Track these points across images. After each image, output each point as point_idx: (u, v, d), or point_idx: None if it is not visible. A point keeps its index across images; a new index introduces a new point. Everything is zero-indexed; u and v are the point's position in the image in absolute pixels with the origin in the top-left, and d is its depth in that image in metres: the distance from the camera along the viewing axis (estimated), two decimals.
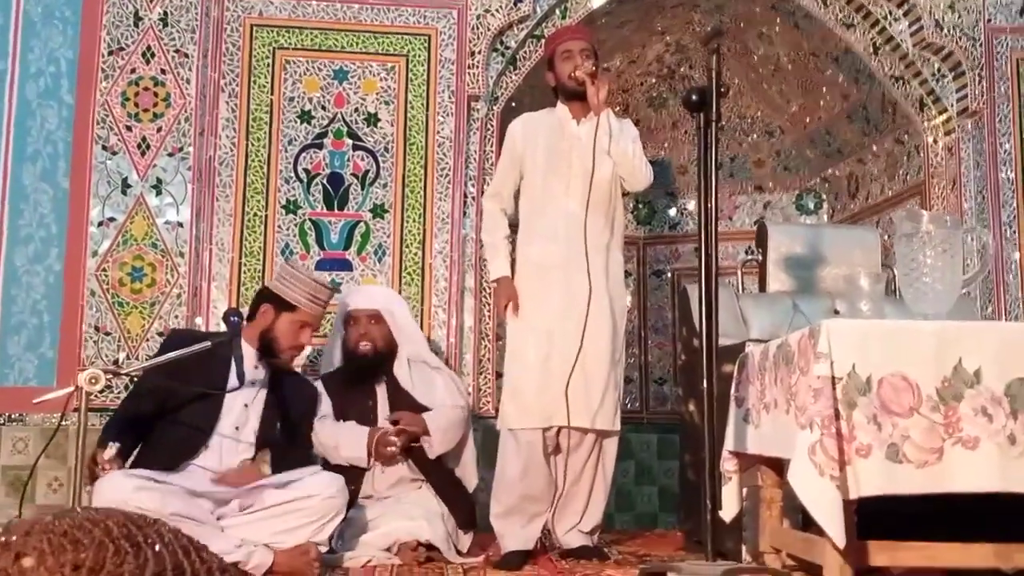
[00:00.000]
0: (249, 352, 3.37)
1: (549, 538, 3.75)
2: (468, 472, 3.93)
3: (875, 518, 2.56)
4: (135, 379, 3.59)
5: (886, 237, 4.84)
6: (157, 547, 0.92)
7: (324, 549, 3.17)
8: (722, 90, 2.69)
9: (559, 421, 3.46)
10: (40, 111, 4.46)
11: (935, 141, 4.98)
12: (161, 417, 3.23)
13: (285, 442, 3.38)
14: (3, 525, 0.94)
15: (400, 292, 4.48)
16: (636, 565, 3.39)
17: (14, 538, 0.89)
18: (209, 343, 3.17)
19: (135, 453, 3.24)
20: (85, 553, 0.88)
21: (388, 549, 3.45)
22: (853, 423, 2.36)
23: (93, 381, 2.80)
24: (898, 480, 2.35)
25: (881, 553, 2.46)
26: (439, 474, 3.78)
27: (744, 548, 3.29)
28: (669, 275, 6.15)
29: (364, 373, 3.84)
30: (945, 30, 4.81)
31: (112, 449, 3.04)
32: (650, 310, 6.14)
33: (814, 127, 5.75)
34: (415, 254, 4.56)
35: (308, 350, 4.07)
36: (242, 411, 3.32)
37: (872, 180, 5.49)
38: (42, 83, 4.48)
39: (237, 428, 3.30)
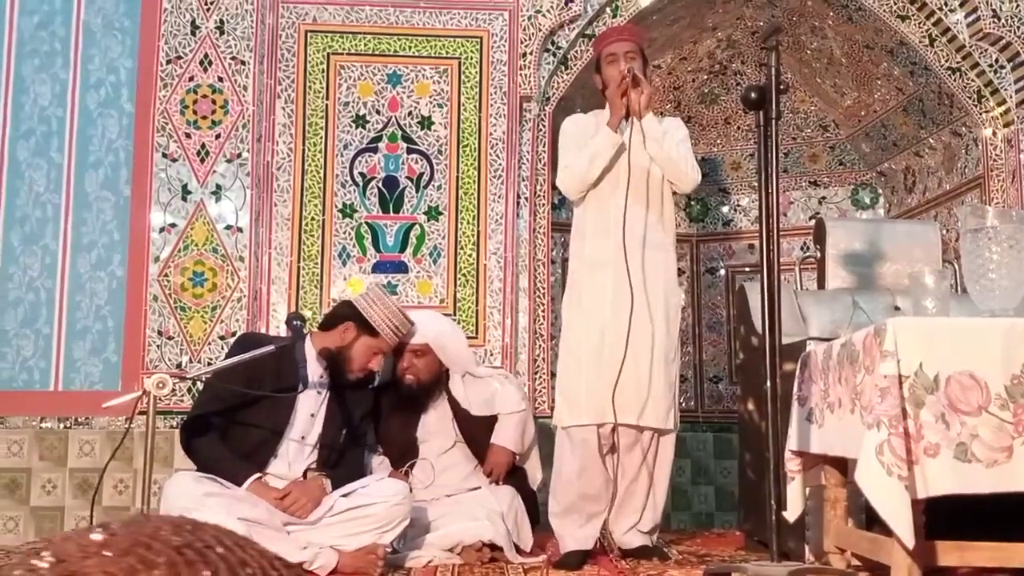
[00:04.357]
0: (313, 357, 3.39)
1: (608, 539, 3.75)
2: (532, 466, 3.98)
3: (940, 517, 2.53)
4: (205, 380, 3.65)
5: (944, 232, 4.77)
6: (219, 549, 0.90)
7: (388, 550, 3.20)
8: (781, 87, 2.68)
9: (609, 418, 3.47)
10: (101, 120, 4.54)
11: (994, 133, 4.90)
12: (233, 422, 3.27)
13: (346, 446, 3.40)
14: (43, 540, 0.86)
15: (455, 293, 4.50)
16: (697, 565, 3.38)
17: (68, 563, 0.80)
18: (273, 347, 3.21)
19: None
20: (160, 571, 0.83)
21: (451, 550, 3.47)
22: (921, 422, 2.33)
23: (161, 385, 2.87)
24: (967, 479, 2.32)
25: (950, 553, 2.43)
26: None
27: (807, 548, 3.27)
28: (723, 272, 6.11)
29: (407, 402, 3.86)
30: (1002, 19, 4.73)
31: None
32: (704, 308, 6.10)
33: (869, 121, 5.68)
34: (470, 255, 4.58)
35: None
36: (308, 420, 3.35)
37: (929, 174, 5.42)
38: (103, 92, 4.57)
39: (303, 437, 3.34)
